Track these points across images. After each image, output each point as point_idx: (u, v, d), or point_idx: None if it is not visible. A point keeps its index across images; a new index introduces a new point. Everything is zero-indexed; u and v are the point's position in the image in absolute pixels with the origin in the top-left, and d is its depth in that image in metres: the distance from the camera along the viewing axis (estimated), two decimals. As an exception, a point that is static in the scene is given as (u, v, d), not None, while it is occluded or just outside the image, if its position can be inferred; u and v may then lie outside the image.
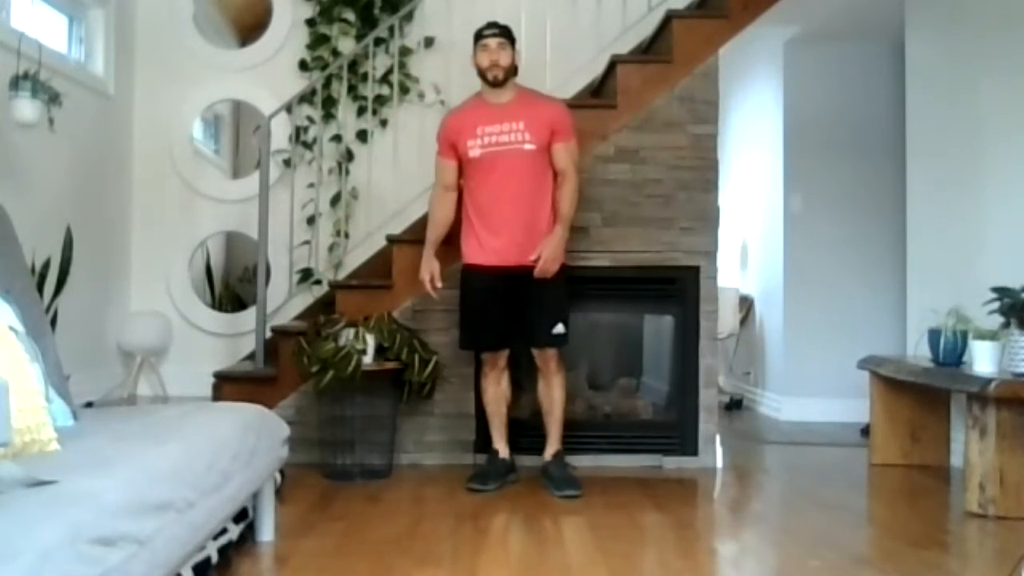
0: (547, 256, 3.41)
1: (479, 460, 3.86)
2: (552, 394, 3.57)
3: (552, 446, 3.60)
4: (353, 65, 5.03)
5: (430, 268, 3.58)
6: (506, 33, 3.51)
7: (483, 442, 3.86)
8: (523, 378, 4.16)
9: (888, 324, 5.09)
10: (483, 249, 3.50)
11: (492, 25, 3.52)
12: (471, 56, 3.54)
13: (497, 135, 3.46)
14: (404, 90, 5.04)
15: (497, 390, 3.62)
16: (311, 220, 5.00)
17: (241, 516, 2.48)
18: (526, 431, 3.94)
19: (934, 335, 3.58)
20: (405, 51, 5.08)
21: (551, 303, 3.50)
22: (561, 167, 3.49)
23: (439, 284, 3.58)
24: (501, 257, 3.47)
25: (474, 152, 3.48)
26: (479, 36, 3.51)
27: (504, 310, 3.51)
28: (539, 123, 3.45)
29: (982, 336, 3.34)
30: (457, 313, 3.67)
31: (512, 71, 3.50)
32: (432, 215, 3.66)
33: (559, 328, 3.49)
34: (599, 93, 4.43)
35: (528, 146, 3.44)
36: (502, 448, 3.64)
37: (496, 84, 3.48)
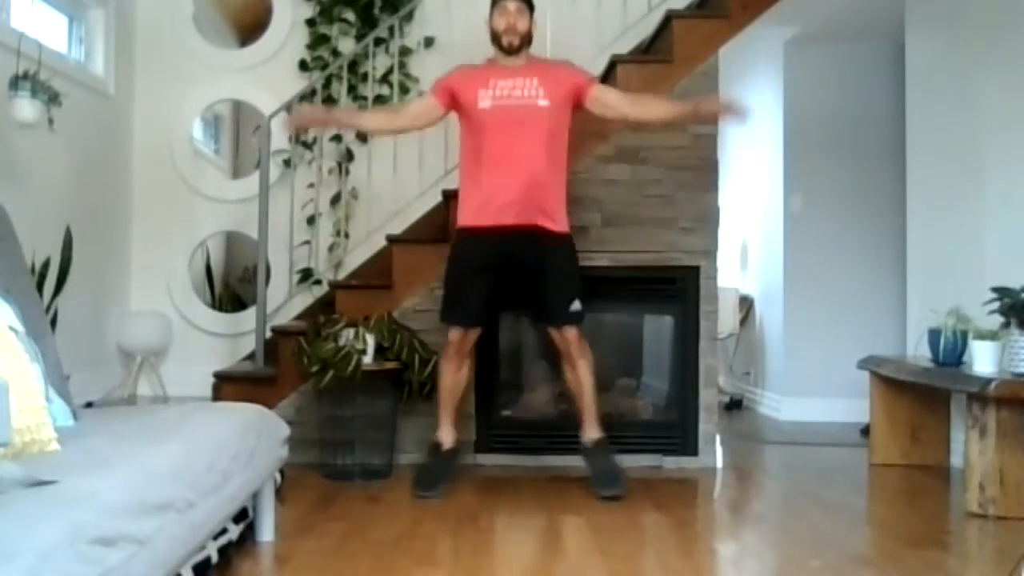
0: (718, 104, 3.45)
1: (479, 460, 3.86)
2: (579, 377, 3.40)
3: (590, 431, 3.44)
4: (353, 65, 5.03)
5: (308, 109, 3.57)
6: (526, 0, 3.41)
7: (483, 442, 3.87)
8: (523, 377, 4.17)
9: (888, 324, 5.09)
10: (486, 207, 3.31)
11: None
12: (487, 20, 3.43)
13: (511, 89, 3.32)
14: (404, 90, 5.04)
15: (457, 376, 3.44)
16: (311, 220, 5.00)
17: (241, 516, 2.48)
18: (525, 431, 3.95)
19: (934, 335, 3.58)
20: (405, 51, 5.08)
21: (565, 277, 3.36)
22: (617, 98, 3.41)
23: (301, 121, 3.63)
24: (507, 215, 3.28)
25: (484, 103, 3.31)
26: (496, 0, 3.40)
27: (496, 281, 3.36)
28: (554, 81, 3.35)
29: (982, 336, 3.34)
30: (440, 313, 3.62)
31: (527, 39, 3.40)
32: (375, 112, 3.59)
33: (576, 305, 3.34)
34: (599, 93, 4.42)
35: (542, 102, 3.31)
36: (448, 438, 3.49)
37: (511, 51, 3.37)
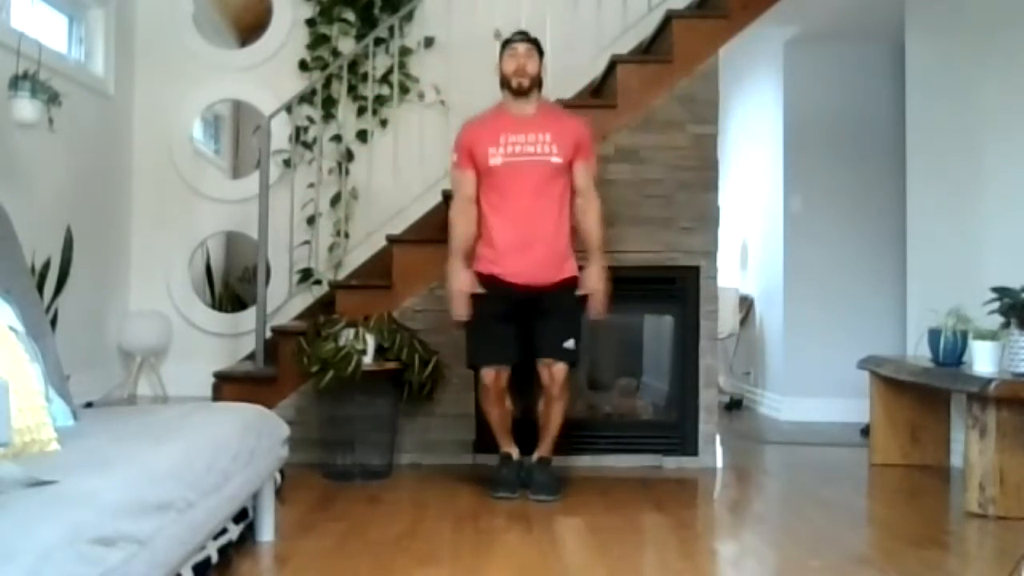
0: (601, 290, 3.36)
1: (479, 460, 3.86)
2: (551, 416, 3.43)
3: (543, 450, 3.49)
4: (353, 65, 5.03)
5: (460, 280, 3.36)
6: (535, 42, 3.43)
7: (483, 442, 3.86)
8: (523, 379, 4.17)
9: (888, 324, 5.09)
10: (500, 265, 3.35)
11: (521, 32, 3.46)
12: (497, 65, 3.43)
13: (523, 144, 3.32)
14: (404, 90, 5.04)
15: (502, 411, 3.46)
16: (311, 220, 5.00)
17: (241, 516, 2.47)
18: (526, 431, 3.94)
19: (934, 335, 3.58)
20: (405, 51, 5.08)
21: (564, 318, 3.38)
22: (583, 187, 3.39)
23: (475, 289, 3.36)
24: (520, 276, 3.33)
25: (495, 160, 3.32)
26: (507, 42, 3.42)
27: (516, 325, 3.39)
28: (565, 137, 3.35)
29: (982, 336, 3.34)
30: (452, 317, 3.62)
31: (537, 82, 3.40)
32: (454, 229, 3.42)
33: (570, 343, 3.36)
34: (599, 93, 4.43)
35: (555, 159, 3.32)
36: (513, 450, 3.53)
37: (520, 93, 3.37)
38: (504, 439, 3.53)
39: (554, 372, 3.36)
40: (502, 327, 3.37)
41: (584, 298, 3.42)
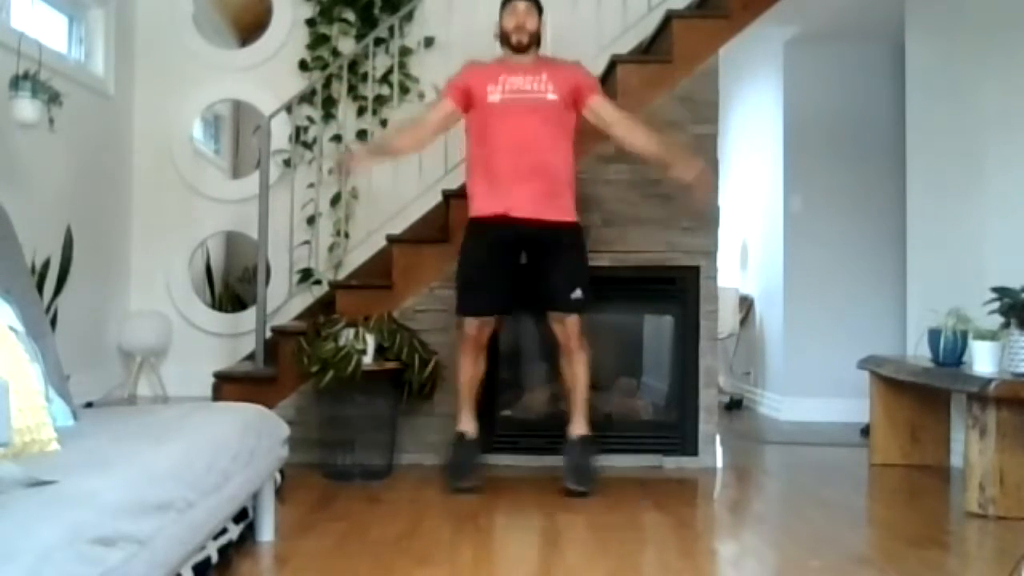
0: (695, 170, 3.38)
1: (479, 460, 3.85)
2: (575, 371, 3.43)
3: (577, 426, 3.46)
4: (353, 65, 5.03)
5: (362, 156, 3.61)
6: (534, 1, 3.48)
7: (483, 442, 3.86)
8: (523, 377, 4.17)
9: (888, 324, 5.09)
10: (497, 196, 3.36)
11: None
12: (495, 24, 3.50)
13: (520, 83, 3.40)
14: (404, 90, 5.04)
15: (476, 368, 3.48)
16: (311, 220, 5.00)
17: (241, 516, 2.47)
18: (525, 431, 3.94)
19: (934, 335, 3.58)
20: (405, 51, 5.08)
21: (570, 266, 3.40)
22: (609, 115, 3.44)
23: (353, 164, 3.64)
24: (517, 204, 3.33)
25: (494, 97, 3.39)
26: (507, 1, 3.48)
27: (509, 271, 3.40)
28: (562, 78, 3.42)
29: (982, 336, 3.33)
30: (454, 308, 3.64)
31: (536, 39, 3.47)
32: (398, 131, 3.59)
33: (578, 293, 3.37)
34: (599, 93, 4.42)
35: (551, 96, 3.38)
36: (470, 427, 3.51)
37: (520, 49, 3.44)
38: (466, 408, 3.51)
39: (568, 325, 3.39)
40: (493, 275, 3.41)
41: (582, 248, 3.46)
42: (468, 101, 3.47)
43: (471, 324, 3.42)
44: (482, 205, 3.42)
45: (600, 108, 3.46)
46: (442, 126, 3.57)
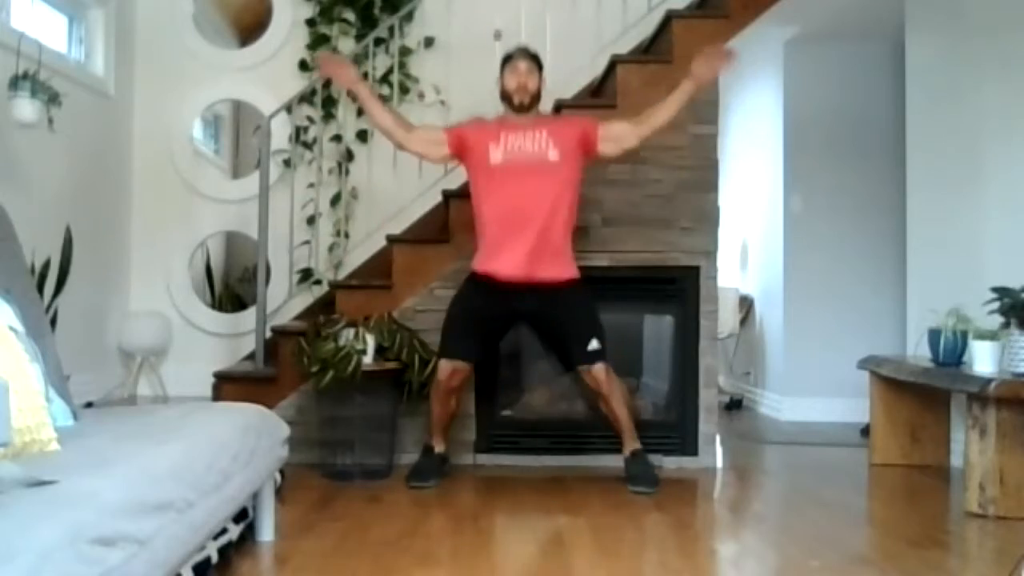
0: (705, 58, 3.35)
1: (479, 460, 3.86)
2: (614, 410, 3.50)
3: (628, 445, 3.55)
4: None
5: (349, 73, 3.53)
6: (536, 59, 3.52)
7: (483, 442, 3.87)
8: (523, 377, 4.17)
9: (888, 324, 5.09)
10: (496, 261, 3.41)
11: (523, 49, 3.55)
12: (497, 80, 3.53)
13: (521, 143, 3.42)
14: (404, 90, 5.04)
15: (447, 408, 3.57)
16: (311, 220, 5.00)
17: (241, 516, 2.48)
18: (525, 431, 3.94)
19: (934, 335, 3.58)
20: (405, 51, 5.08)
21: (579, 321, 3.46)
22: (622, 131, 3.44)
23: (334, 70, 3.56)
24: (514, 269, 3.38)
25: (495, 158, 3.42)
26: (508, 58, 3.52)
27: (498, 327, 3.53)
28: (562, 133, 3.44)
29: (982, 336, 3.33)
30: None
31: (537, 98, 3.50)
32: (390, 113, 3.62)
33: (594, 344, 3.43)
34: (599, 93, 4.43)
35: (552, 155, 3.40)
36: (440, 446, 3.63)
37: (521, 109, 3.47)
38: (437, 435, 3.63)
39: (595, 375, 3.46)
40: (475, 325, 3.49)
41: (586, 298, 3.50)
42: (461, 149, 3.51)
43: (443, 368, 3.49)
44: (479, 263, 3.49)
45: (610, 130, 3.46)
46: (424, 147, 3.57)
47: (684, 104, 3.43)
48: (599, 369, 3.44)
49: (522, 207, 3.38)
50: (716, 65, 3.40)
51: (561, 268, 3.45)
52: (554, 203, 3.40)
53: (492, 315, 3.49)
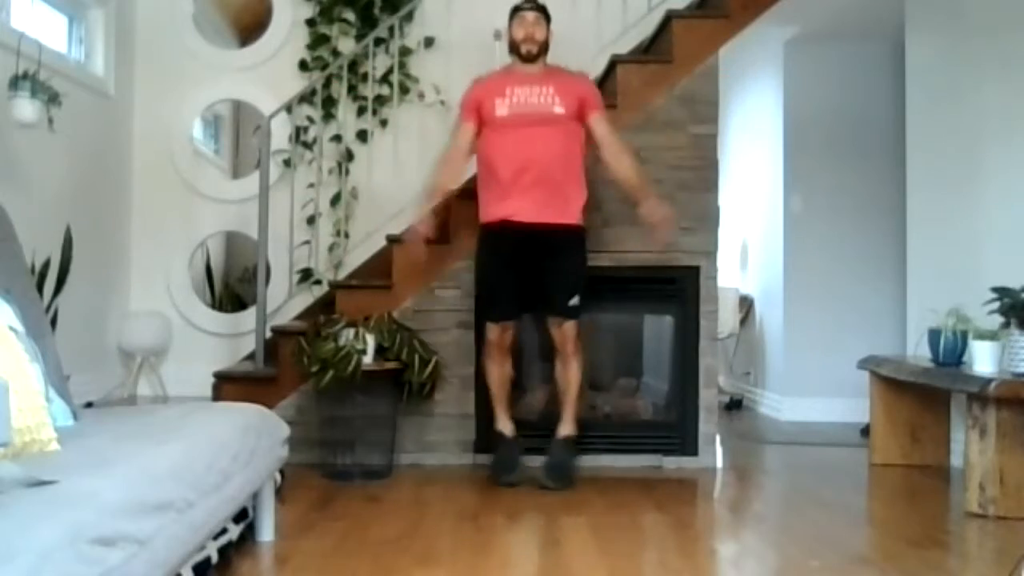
0: (668, 213, 3.45)
1: (479, 460, 3.86)
2: (569, 375, 3.55)
3: (565, 427, 3.57)
4: (353, 65, 5.03)
5: (425, 222, 3.47)
6: (543, 10, 3.56)
7: (483, 442, 3.86)
8: (523, 379, 4.17)
9: (888, 324, 5.09)
10: (504, 204, 3.45)
11: (530, 0, 3.58)
12: (506, 30, 3.58)
13: (527, 96, 3.47)
14: (404, 90, 5.04)
15: (504, 371, 3.60)
16: (311, 220, 5.00)
17: (241, 516, 2.47)
18: (525, 431, 3.94)
19: (934, 335, 3.58)
20: (405, 51, 5.08)
21: (569, 272, 3.50)
22: (604, 136, 3.52)
23: (428, 235, 3.48)
24: (526, 212, 3.41)
25: (501, 111, 3.47)
26: (517, 9, 3.56)
27: (521, 274, 3.49)
28: (569, 91, 3.49)
29: (982, 336, 3.33)
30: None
31: (545, 48, 3.55)
32: (436, 168, 3.57)
33: (574, 300, 3.48)
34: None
35: (558, 109, 3.46)
36: (507, 427, 3.62)
37: (528, 59, 3.51)
38: (501, 410, 3.62)
39: (565, 330, 3.50)
40: (507, 282, 3.51)
41: (582, 252, 3.54)
42: (481, 116, 3.54)
43: (493, 330, 3.54)
44: (488, 212, 3.52)
45: (597, 126, 3.53)
46: (467, 147, 3.60)
47: (630, 188, 3.51)
48: (571, 326, 3.50)
49: (528, 156, 3.42)
50: (660, 230, 3.49)
51: (566, 214, 3.48)
52: (561, 151, 3.45)
53: (512, 263, 3.49)
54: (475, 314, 3.69)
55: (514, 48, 3.55)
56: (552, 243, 3.46)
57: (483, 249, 3.58)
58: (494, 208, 3.49)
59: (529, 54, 3.51)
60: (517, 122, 3.45)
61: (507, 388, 3.63)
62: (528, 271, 3.49)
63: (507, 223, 3.46)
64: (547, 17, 3.57)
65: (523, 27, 3.52)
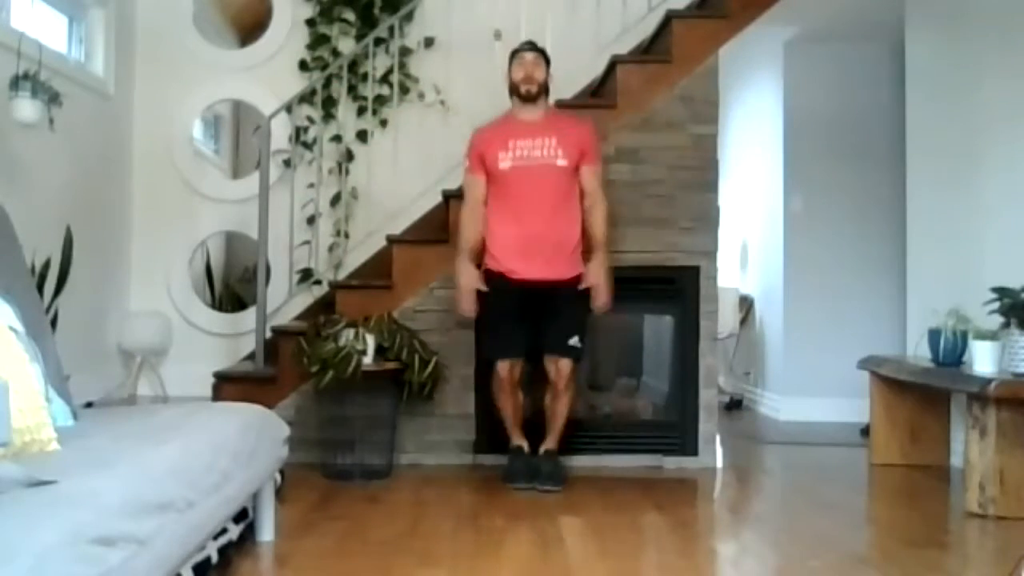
0: (603, 284, 3.51)
1: (479, 460, 3.86)
2: (557, 409, 3.58)
3: (549, 443, 3.60)
4: (353, 65, 5.03)
5: (468, 276, 3.54)
6: (542, 52, 3.60)
7: (483, 442, 3.87)
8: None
9: (888, 324, 5.09)
10: (508, 261, 3.50)
11: (529, 42, 3.63)
12: (505, 74, 3.60)
13: (529, 149, 3.49)
14: (404, 90, 5.04)
15: (515, 401, 3.62)
16: (311, 220, 4.99)
17: (241, 516, 2.48)
18: (526, 431, 3.94)
19: (934, 335, 3.58)
20: (405, 51, 5.08)
21: (570, 316, 3.53)
22: (589, 189, 3.56)
23: (480, 287, 3.53)
24: (528, 273, 3.47)
25: (504, 164, 3.50)
26: (515, 52, 3.60)
27: (527, 320, 3.53)
28: (570, 141, 3.51)
29: (982, 336, 3.33)
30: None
31: (544, 89, 3.57)
32: (464, 230, 3.59)
33: (574, 341, 3.50)
34: (599, 93, 4.43)
35: (560, 162, 3.49)
36: (522, 442, 3.64)
37: (528, 99, 3.54)
38: (515, 432, 3.65)
39: (560, 367, 3.52)
40: (513, 322, 3.54)
41: (585, 300, 3.54)
42: (485, 166, 3.57)
43: (502, 367, 3.55)
44: (493, 262, 3.55)
45: (587, 177, 3.56)
46: (483, 198, 3.59)
47: (595, 241, 3.56)
48: (566, 364, 3.51)
49: (536, 210, 3.46)
50: (597, 296, 3.54)
51: (567, 270, 3.52)
52: (563, 202, 3.50)
53: (521, 302, 3.51)
54: (483, 351, 3.71)
55: (514, 90, 3.57)
56: (554, 297, 3.50)
57: (490, 292, 3.56)
58: (498, 259, 3.53)
59: (528, 94, 3.53)
60: (519, 176, 3.49)
61: (519, 417, 3.65)
62: (531, 315, 3.53)
63: (510, 278, 3.50)
64: (546, 59, 3.60)
65: (522, 68, 3.54)
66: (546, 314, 3.51)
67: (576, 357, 3.52)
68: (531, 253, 3.47)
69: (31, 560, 1.21)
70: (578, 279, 3.54)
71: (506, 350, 3.55)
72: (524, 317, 3.53)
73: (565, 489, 3.45)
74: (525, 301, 3.51)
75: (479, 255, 3.59)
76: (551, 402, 3.59)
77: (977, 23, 3.91)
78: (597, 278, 3.53)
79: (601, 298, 3.54)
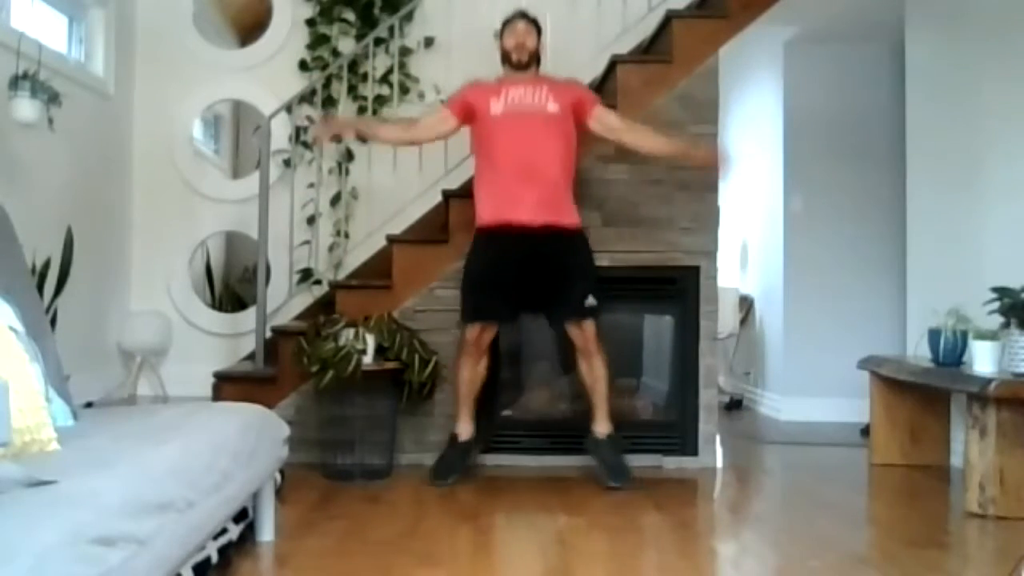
0: (716, 153, 3.64)
1: (479, 460, 3.86)
2: (595, 371, 3.54)
3: (601, 425, 3.56)
4: (353, 65, 5.03)
5: (346, 122, 3.82)
6: (533, 21, 3.63)
7: (477, 445, 3.86)
8: (523, 377, 4.17)
9: (888, 324, 5.09)
10: (502, 206, 3.47)
11: (520, 11, 3.66)
12: (497, 42, 3.64)
13: (521, 96, 3.52)
14: (404, 90, 5.04)
15: (475, 372, 3.57)
16: (311, 220, 4.99)
17: (241, 516, 2.48)
18: (525, 431, 3.94)
19: (934, 335, 3.58)
20: (405, 51, 5.08)
21: (580, 273, 3.52)
22: (617, 123, 3.59)
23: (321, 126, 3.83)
24: (522, 213, 3.44)
25: (496, 109, 3.51)
26: (507, 21, 3.63)
27: (513, 281, 3.49)
28: (562, 93, 3.55)
29: (982, 336, 3.34)
30: (459, 312, 3.66)
31: (536, 57, 3.61)
32: (392, 125, 3.76)
33: (591, 300, 3.49)
34: (599, 93, 4.42)
35: (552, 107, 3.50)
36: (465, 431, 3.60)
37: (519, 67, 3.57)
38: (464, 411, 3.61)
39: (585, 329, 3.51)
40: (498, 284, 3.50)
41: (588, 252, 3.59)
42: (469, 115, 3.59)
43: (472, 329, 3.52)
44: (487, 215, 3.53)
45: (605, 117, 3.59)
46: (433, 132, 3.67)
47: (670, 155, 3.65)
48: (590, 324, 3.50)
49: (525, 153, 3.47)
50: (720, 165, 3.70)
51: (566, 214, 3.52)
52: (557, 151, 3.50)
53: (509, 265, 3.49)
54: (461, 312, 3.64)
55: (506, 58, 3.61)
56: (557, 247, 3.48)
57: (478, 249, 3.57)
58: (493, 210, 3.50)
59: (520, 62, 3.57)
60: (512, 120, 3.49)
61: (475, 390, 3.60)
62: (534, 275, 3.49)
63: (506, 227, 3.47)
64: (538, 28, 3.63)
65: (514, 36, 3.58)
66: (553, 275, 3.47)
67: (595, 315, 3.51)
68: (526, 194, 3.43)
69: (31, 560, 1.21)
70: (577, 231, 3.53)
71: (479, 312, 3.52)
72: (511, 281, 3.47)
73: (565, 489, 3.44)
74: (526, 257, 3.45)
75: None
76: (587, 370, 3.55)
77: (977, 23, 3.91)
78: (698, 146, 3.63)
79: (725, 157, 3.72)
